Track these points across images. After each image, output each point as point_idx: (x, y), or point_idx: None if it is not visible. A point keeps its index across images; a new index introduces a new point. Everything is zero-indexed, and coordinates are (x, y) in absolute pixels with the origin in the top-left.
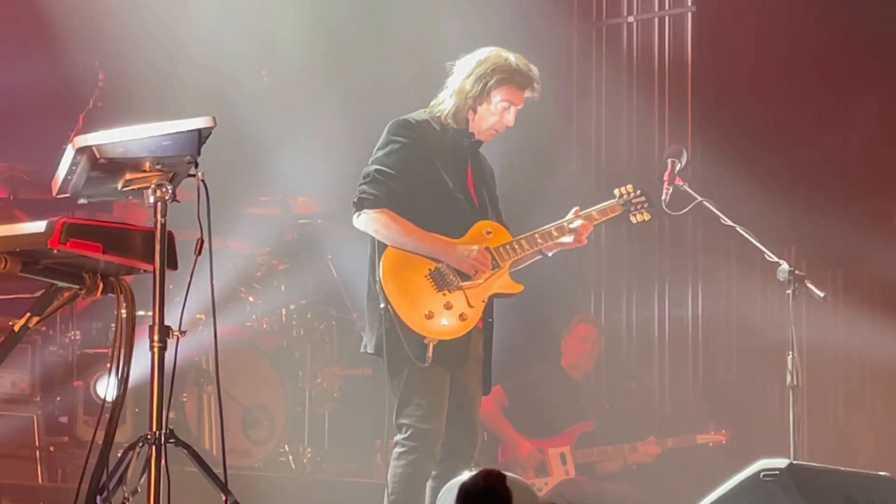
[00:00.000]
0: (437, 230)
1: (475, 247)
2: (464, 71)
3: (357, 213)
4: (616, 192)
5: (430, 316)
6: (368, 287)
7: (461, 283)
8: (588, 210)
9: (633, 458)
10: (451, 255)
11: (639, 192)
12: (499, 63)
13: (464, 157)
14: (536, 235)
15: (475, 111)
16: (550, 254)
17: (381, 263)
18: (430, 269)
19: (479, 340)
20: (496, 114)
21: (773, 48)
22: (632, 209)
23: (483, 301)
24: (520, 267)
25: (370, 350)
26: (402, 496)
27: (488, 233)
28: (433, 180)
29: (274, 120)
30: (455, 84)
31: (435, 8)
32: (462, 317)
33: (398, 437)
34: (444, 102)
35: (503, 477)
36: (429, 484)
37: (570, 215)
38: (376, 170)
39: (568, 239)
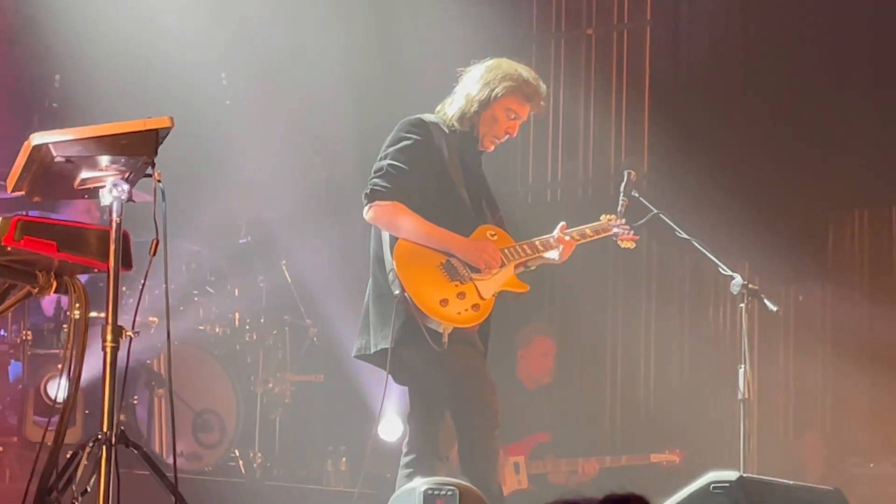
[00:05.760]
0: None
1: (486, 241)
2: (473, 76)
3: (368, 205)
4: (603, 217)
5: (444, 303)
6: (375, 282)
7: (472, 275)
8: (580, 227)
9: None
10: (463, 249)
11: (624, 220)
12: (509, 72)
13: (469, 162)
14: (537, 242)
15: (479, 116)
16: (534, 266)
17: (392, 255)
18: (441, 262)
19: (476, 338)
20: (499, 121)
21: (728, 63)
22: (620, 233)
23: (493, 295)
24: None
25: (384, 346)
26: None
27: (492, 235)
28: (442, 180)
29: (233, 123)
30: (463, 89)
31: (394, 17)
32: (475, 307)
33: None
34: (451, 106)
35: None
36: (402, 473)
37: (556, 231)
38: (389, 164)
39: (553, 255)
